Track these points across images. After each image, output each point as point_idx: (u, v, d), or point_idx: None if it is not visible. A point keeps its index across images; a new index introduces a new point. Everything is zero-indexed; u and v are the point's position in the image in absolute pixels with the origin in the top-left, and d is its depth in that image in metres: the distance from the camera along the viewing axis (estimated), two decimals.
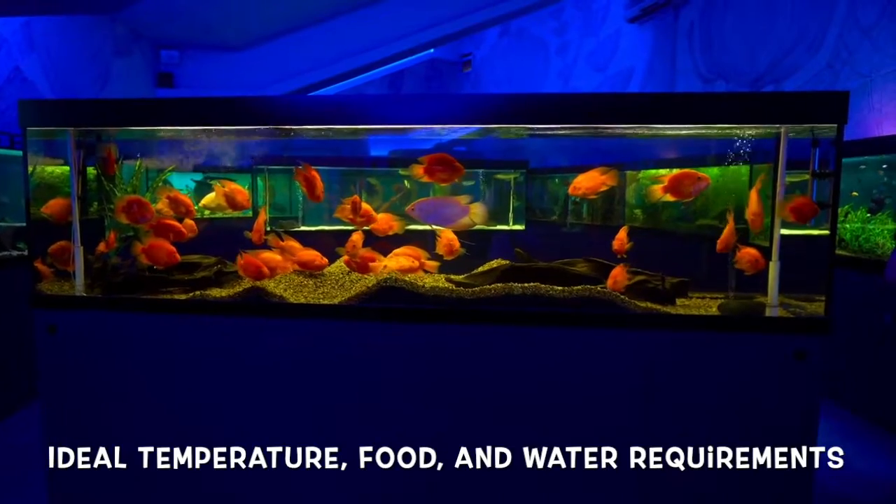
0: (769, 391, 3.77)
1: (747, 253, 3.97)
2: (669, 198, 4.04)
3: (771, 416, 3.79)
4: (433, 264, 4.47)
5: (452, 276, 4.51)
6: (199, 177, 5.45)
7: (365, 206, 4.39)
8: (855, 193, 7.54)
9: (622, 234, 4.31)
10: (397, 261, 4.44)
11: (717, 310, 4.08)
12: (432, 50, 17.59)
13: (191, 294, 4.30)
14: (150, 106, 4.16)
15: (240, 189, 4.58)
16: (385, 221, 4.46)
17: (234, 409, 4.08)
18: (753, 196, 3.98)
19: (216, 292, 4.34)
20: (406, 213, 4.27)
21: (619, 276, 4.14)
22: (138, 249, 4.34)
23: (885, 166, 7.41)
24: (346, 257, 4.38)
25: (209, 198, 4.76)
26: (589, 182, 4.21)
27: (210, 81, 13.77)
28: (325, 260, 4.46)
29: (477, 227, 4.22)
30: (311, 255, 4.44)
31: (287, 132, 4.39)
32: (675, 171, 4.04)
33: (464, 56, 21.09)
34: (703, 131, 4.17)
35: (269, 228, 5.28)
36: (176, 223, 4.43)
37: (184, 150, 4.95)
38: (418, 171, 4.10)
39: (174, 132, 4.55)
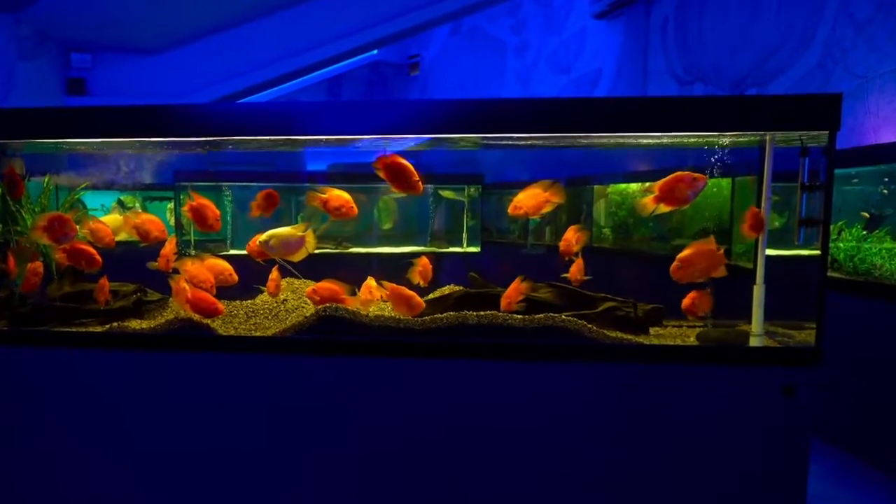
0: (754, 430, 3.78)
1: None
2: (664, 208, 3.93)
3: (756, 458, 3.80)
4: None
5: None
6: (122, 194, 5.39)
7: (344, 195, 4.34)
8: (865, 214, 7.42)
9: (570, 233, 4.30)
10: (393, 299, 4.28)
11: (695, 339, 4.10)
12: (375, 51, 17.58)
13: (107, 326, 4.26)
14: (59, 116, 4.13)
15: (152, 219, 4.50)
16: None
17: (157, 454, 4.04)
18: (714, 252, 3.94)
19: (136, 324, 4.31)
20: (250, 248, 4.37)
21: (512, 292, 4.15)
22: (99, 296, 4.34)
23: (886, 179, 7.41)
24: (309, 290, 4.31)
25: (110, 219, 4.66)
26: (531, 200, 4.19)
27: (127, 88, 13.66)
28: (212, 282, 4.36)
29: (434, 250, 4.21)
30: (219, 268, 4.37)
31: (213, 144, 4.38)
32: (668, 177, 3.93)
33: (411, 58, 21.11)
34: (680, 140, 4.18)
35: (193, 252, 5.24)
36: (90, 248, 4.37)
37: (98, 164, 4.90)
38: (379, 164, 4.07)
39: (87, 145, 4.51)
